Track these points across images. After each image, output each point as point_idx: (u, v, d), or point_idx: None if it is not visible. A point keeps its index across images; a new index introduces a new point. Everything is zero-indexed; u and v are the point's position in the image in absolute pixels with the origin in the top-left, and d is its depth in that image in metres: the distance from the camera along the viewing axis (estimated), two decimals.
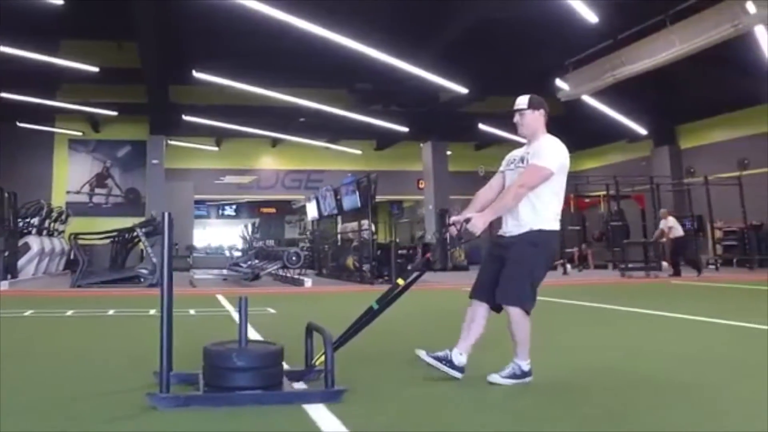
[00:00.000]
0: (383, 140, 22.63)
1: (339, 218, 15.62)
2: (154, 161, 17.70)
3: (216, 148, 22.04)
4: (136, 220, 14.03)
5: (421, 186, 22.36)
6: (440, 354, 3.48)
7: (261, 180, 22.90)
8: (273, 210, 30.67)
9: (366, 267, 12.87)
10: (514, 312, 3.36)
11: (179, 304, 8.50)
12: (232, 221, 31.78)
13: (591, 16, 11.34)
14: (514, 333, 3.39)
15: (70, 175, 19.80)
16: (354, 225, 14.94)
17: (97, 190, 19.79)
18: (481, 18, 12.87)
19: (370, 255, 12.78)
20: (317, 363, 3.32)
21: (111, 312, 7.46)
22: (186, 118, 17.63)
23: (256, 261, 15.06)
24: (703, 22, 10.44)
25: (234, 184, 22.64)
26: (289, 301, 9.22)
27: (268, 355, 3.09)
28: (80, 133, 19.53)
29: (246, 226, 29.47)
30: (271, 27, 11.56)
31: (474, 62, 15.46)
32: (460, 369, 3.44)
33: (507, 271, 3.38)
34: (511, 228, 3.49)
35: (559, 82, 14.80)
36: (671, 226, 13.64)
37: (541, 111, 3.56)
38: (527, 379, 3.42)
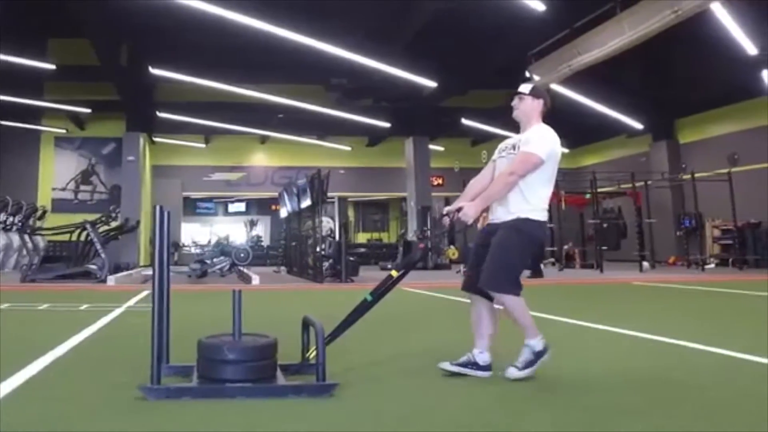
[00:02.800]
0: (374, 137, 22.24)
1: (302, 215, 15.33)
2: (130, 158, 17.74)
3: (203, 145, 22.03)
4: None
5: None
6: (463, 360, 3.46)
7: (250, 177, 22.79)
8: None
9: (318, 265, 12.61)
10: (504, 298, 3.36)
11: (76, 298, 8.42)
12: (241, 218, 31.85)
13: (538, 5, 10.86)
14: (512, 318, 3.39)
15: (56, 172, 20.06)
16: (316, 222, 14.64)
17: (82, 187, 20.01)
18: (436, 10, 12.43)
19: (319, 253, 12.51)
20: (310, 357, 3.33)
21: (4, 306, 7.40)
22: (161, 114, 17.64)
23: (222, 257, 14.98)
24: (649, 8, 9.83)
25: (223, 181, 22.59)
26: (208, 299, 9.02)
27: (260, 349, 3.12)
28: (64, 131, 19.74)
29: (245, 224, 29.68)
30: (236, 24, 11.38)
31: (445, 57, 15.08)
32: (487, 367, 3.43)
33: (490, 257, 3.39)
34: (499, 215, 3.51)
35: (529, 74, 14.26)
36: None
37: (541, 101, 3.59)
38: (545, 357, 3.36)
